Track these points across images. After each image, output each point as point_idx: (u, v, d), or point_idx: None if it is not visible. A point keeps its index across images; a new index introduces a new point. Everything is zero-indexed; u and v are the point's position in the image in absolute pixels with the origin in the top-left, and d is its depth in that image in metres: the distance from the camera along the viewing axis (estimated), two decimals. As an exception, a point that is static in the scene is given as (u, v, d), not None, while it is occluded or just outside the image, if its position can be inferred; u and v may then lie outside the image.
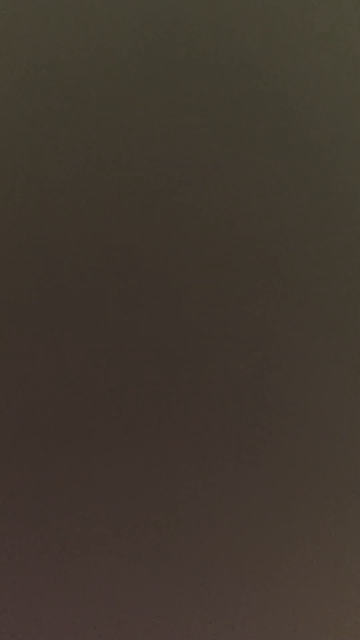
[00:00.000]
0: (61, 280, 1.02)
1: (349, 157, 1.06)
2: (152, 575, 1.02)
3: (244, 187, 1.05)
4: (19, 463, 1.00)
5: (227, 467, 1.03)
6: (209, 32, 1.04)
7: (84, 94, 1.03)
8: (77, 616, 1.01)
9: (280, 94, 1.05)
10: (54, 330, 1.02)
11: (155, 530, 1.02)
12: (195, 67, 1.04)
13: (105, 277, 1.02)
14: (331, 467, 1.04)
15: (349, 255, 1.06)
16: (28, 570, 1.01)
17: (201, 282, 1.04)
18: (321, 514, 1.04)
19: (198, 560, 1.03)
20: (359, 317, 1.05)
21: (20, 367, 1.01)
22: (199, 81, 1.04)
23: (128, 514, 1.02)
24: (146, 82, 1.04)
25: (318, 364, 1.05)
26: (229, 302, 1.04)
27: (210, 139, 1.05)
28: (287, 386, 1.04)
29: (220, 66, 1.05)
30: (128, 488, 1.02)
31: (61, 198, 1.02)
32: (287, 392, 1.04)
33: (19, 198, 1.02)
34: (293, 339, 1.04)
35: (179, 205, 1.04)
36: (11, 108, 1.02)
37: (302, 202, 1.05)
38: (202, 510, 1.03)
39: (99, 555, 1.01)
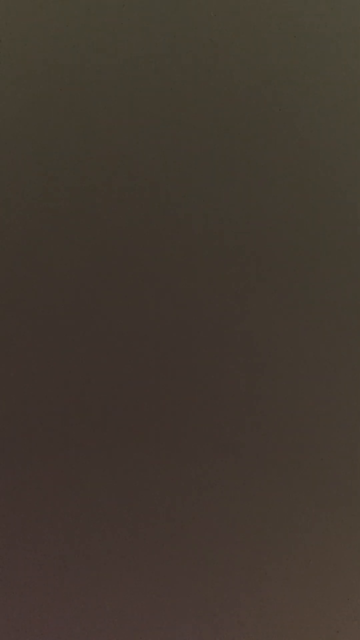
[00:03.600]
0: (61, 285, 1.02)
1: (350, 156, 1.06)
2: (152, 576, 1.02)
3: (243, 191, 1.05)
4: (17, 462, 1.00)
5: (227, 468, 1.03)
6: (208, 36, 1.05)
7: (84, 97, 1.03)
8: (76, 616, 1.01)
9: (280, 96, 1.05)
10: (53, 332, 1.02)
11: (155, 531, 1.02)
12: (195, 70, 1.05)
13: (105, 279, 1.03)
14: (331, 467, 1.04)
15: (350, 258, 1.06)
16: (27, 570, 1.01)
17: (201, 283, 1.04)
18: (321, 515, 1.04)
19: (198, 562, 1.03)
20: (358, 320, 1.05)
21: (20, 367, 1.01)
22: (199, 84, 1.05)
23: (127, 513, 1.02)
24: (146, 87, 1.04)
25: (318, 367, 1.05)
26: (229, 303, 1.04)
27: (210, 142, 1.05)
28: (287, 388, 1.04)
29: (220, 67, 1.05)
30: (127, 488, 1.02)
31: (60, 205, 1.03)
32: (287, 394, 1.04)
33: (19, 202, 1.02)
34: (293, 342, 1.04)
35: (179, 206, 1.04)
36: (10, 112, 1.02)
37: (302, 205, 1.05)
38: (202, 512, 1.03)
39: (98, 555, 1.01)
